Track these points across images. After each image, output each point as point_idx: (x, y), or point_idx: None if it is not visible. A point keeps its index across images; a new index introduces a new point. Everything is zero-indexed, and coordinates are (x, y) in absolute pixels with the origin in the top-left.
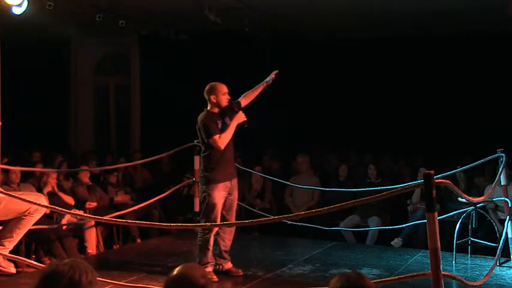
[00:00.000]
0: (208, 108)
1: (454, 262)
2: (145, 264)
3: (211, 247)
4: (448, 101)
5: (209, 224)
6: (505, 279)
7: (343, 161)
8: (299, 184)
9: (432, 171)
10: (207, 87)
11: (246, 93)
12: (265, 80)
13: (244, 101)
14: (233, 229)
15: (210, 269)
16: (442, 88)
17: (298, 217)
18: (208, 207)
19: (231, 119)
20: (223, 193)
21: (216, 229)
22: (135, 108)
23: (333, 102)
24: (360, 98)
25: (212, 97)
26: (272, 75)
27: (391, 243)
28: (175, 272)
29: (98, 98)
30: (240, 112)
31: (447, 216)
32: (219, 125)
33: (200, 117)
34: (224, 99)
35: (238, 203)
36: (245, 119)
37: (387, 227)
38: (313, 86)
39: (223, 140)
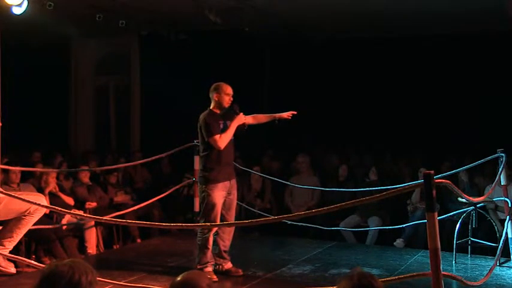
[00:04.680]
0: (211, 107)
1: (454, 262)
2: (146, 264)
3: (210, 247)
4: (448, 101)
5: (209, 224)
6: (505, 279)
7: (343, 161)
8: (299, 184)
9: (432, 171)
10: (212, 86)
11: (256, 114)
12: (280, 114)
13: (252, 119)
14: (232, 229)
15: (209, 268)
16: (442, 88)
17: (298, 217)
18: (208, 207)
19: (231, 121)
20: (222, 193)
21: (215, 229)
22: (135, 108)
23: (333, 102)
24: (360, 98)
25: (215, 95)
26: (288, 114)
27: (394, 244)
28: (180, 277)
29: (98, 98)
30: (241, 114)
31: (447, 216)
32: (221, 126)
33: (202, 116)
34: (227, 100)
35: (238, 203)
36: (245, 121)
37: (387, 227)
38: (313, 86)
39: (223, 140)
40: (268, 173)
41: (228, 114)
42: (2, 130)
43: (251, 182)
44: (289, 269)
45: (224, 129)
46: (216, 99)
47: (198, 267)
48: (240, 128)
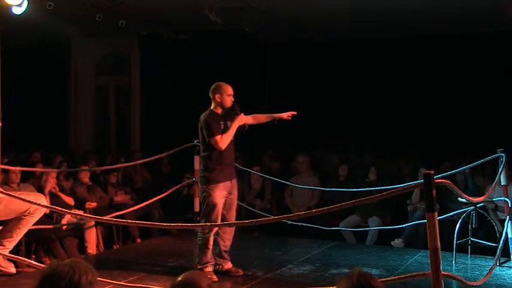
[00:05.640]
0: (212, 107)
1: (454, 262)
2: (146, 264)
3: (211, 247)
4: (448, 101)
5: (209, 224)
6: (505, 279)
7: (343, 161)
8: (299, 184)
9: (432, 171)
10: (212, 87)
11: (256, 114)
12: (280, 114)
13: (251, 119)
14: (233, 229)
15: (209, 268)
16: (442, 88)
17: (298, 217)
18: (209, 207)
19: (232, 121)
20: (223, 193)
21: (216, 229)
22: (135, 108)
23: (333, 102)
24: (360, 98)
25: (217, 96)
26: (287, 114)
27: (392, 243)
28: (180, 277)
29: (98, 98)
30: (242, 114)
31: (447, 216)
32: (221, 126)
33: (203, 116)
34: (228, 100)
35: (238, 203)
36: (245, 121)
37: (387, 227)
38: (313, 86)
39: (224, 140)
40: (268, 173)
41: (229, 115)
42: (2, 130)
43: (251, 182)
44: (289, 269)
45: (225, 130)
46: (218, 100)
47: (198, 267)
48: (241, 129)
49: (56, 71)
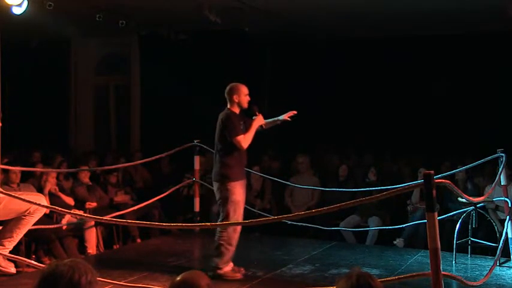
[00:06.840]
0: (230, 107)
1: (454, 262)
2: (146, 264)
3: (235, 245)
4: (448, 100)
5: (209, 224)
6: (505, 279)
7: (343, 161)
8: (299, 184)
9: (432, 171)
10: (228, 87)
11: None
12: (280, 118)
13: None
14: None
15: (229, 267)
16: (442, 88)
17: (298, 217)
18: (233, 204)
19: (247, 122)
20: (242, 190)
21: (239, 228)
22: (135, 108)
23: (333, 102)
24: (360, 98)
25: (235, 97)
26: (288, 114)
27: (394, 242)
28: (180, 277)
29: (98, 98)
30: (260, 115)
31: (447, 216)
32: (241, 126)
33: (225, 115)
34: (246, 100)
35: None
36: (264, 122)
37: (387, 227)
38: (313, 86)
39: (247, 140)
40: (268, 173)
41: (245, 115)
42: (2, 130)
43: (251, 182)
44: (289, 269)
45: (243, 130)
46: (236, 100)
47: (220, 266)
48: (258, 129)
49: (56, 71)
